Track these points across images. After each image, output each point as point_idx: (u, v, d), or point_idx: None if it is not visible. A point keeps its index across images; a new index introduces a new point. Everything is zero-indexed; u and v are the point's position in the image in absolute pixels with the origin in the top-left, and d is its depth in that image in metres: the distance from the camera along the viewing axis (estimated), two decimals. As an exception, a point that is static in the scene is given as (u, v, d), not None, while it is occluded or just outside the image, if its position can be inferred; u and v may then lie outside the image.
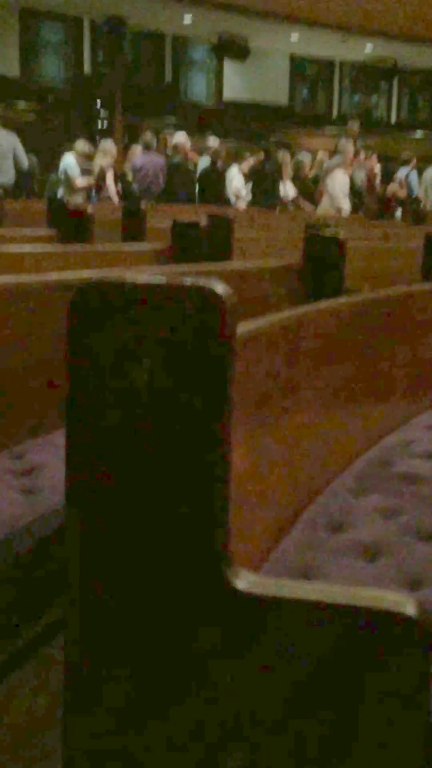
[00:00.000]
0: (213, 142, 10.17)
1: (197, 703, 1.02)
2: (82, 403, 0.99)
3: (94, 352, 0.97)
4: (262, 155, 9.67)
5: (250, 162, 9.83)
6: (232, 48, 13.32)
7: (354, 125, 11.04)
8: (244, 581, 0.99)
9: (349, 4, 12.49)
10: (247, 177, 9.86)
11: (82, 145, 9.06)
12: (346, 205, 8.84)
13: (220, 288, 0.95)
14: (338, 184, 8.63)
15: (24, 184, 8.21)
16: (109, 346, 0.97)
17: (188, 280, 0.95)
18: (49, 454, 1.82)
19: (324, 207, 8.85)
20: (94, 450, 0.99)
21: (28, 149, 8.89)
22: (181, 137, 10.03)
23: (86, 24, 14.39)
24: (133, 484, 0.99)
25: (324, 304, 1.77)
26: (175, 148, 9.88)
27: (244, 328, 1.22)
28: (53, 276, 2.16)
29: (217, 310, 0.94)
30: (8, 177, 7.11)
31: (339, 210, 8.72)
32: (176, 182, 9.52)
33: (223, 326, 0.95)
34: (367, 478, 1.77)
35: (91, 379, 0.98)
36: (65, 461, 1.00)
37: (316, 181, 9.73)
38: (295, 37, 13.67)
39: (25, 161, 7.24)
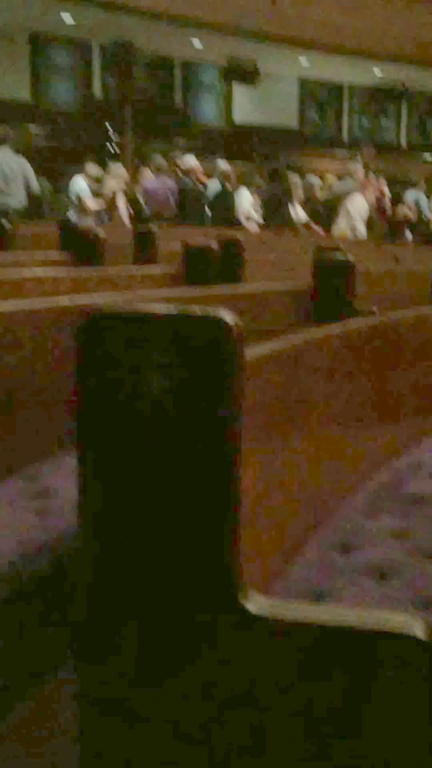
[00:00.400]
0: (223, 164, 10.25)
1: (206, 728, 1.03)
2: (92, 428, 1.01)
3: (104, 379, 0.99)
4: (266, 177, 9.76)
5: (258, 184, 9.94)
6: (241, 72, 13.44)
7: (369, 152, 11.13)
8: (255, 604, 1.00)
9: (358, 29, 12.61)
10: (257, 199, 9.93)
11: (92, 168, 9.16)
12: (362, 228, 8.91)
13: (229, 318, 0.97)
14: (357, 208, 8.71)
15: (34, 207, 8.29)
16: (119, 374, 0.98)
17: (198, 310, 0.97)
18: (61, 476, 1.84)
19: (340, 229, 8.90)
20: (105, 473, 1.01)
21: (39, 173, 8.99)
22: (191, 160, 10.11)
23: (96, 48, 14.57)
24: (145, 507, 1.00)
25: (333, 327, 1.79)
26: (186, 170, 9.97)
27: (254, 352, 1.24)
28: (65, 301, 2.19)
29: (227, 339, 0.96)
30: (19, 200, 7.19)
31: (355, 231, 8.77)
32: (187, 205, 9.59)
33: (233, 355, 0.97)
34: (377, 500, 1.78)
35: (102, 405, 1.00)
36: (77, 484, 1.02)
37: (326, 203, 9.78)
38: (304, 61, 13.79)
39: (35, 184, 7.33)
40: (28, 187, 7.21)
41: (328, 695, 0.99)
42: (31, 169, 7.35)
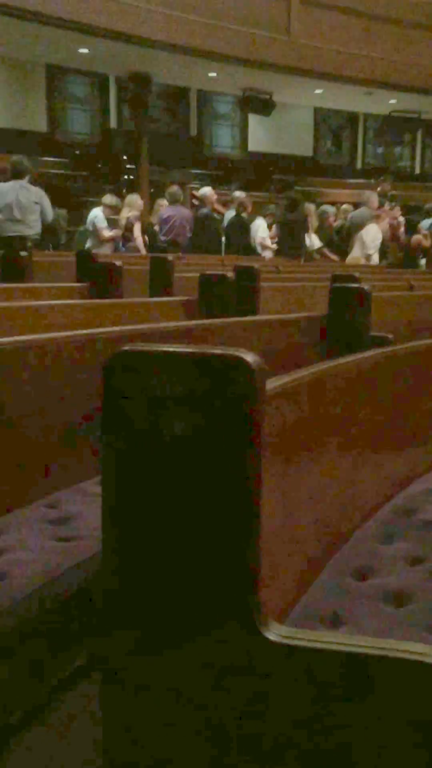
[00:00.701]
0: (239, 193, 10.35)
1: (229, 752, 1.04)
2: (117, 458, 1.03)
3: (129, 412, 1.02)
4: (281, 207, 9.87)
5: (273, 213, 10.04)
6: (257, 103, 13.57)
7: (386, 185, 11.24)
8: (274, 631, 1.01)
9: (373, 59, 12.73)
10: (272, 227, 10.01)
11: (109, 198, 9.30)
12: (376, 257, 8.98)
13: (249, 357, 1.00)
14: (371, 237, 8.81)
15: (50, 236, 8.41)
16: (143, 408, 1.01)
17: (219, 350, 1.00)
18: (82, 503, 1.87)
19: (354, 257, 8.97)
20: (128, 503, 1.03)
21: (55, 203, 9.13)
22: (207, 190, 10.23)
23: (112, 80, 14.76)
24: (167, 535, 1.02)
25: (348, 359, 1.82)
26: (202, 200, 10.09)
27: (272, 384, 1.26)
28: (83, 332, 2.22)
29: (247, 378, 0.99)
30: (35, 230, 7.31)
31: (369, 259, 8.84)
32: (203, 234, 9.69)
33: (253, 394, 1.00)
34: (392, 526, 1.79)
35: (126, 437, 1.02)
36: (102, 515, 1.04)
37: (340, 231, 9.85)
38: (319, 91, 13.92)
39: (50, 214, 7.44)
40: (43, 218, 7.33)
41: (346, 723, 1.00)
42: (47, 199, 7.47)
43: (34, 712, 1.43)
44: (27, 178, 7.29)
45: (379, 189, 10.92)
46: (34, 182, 7.60)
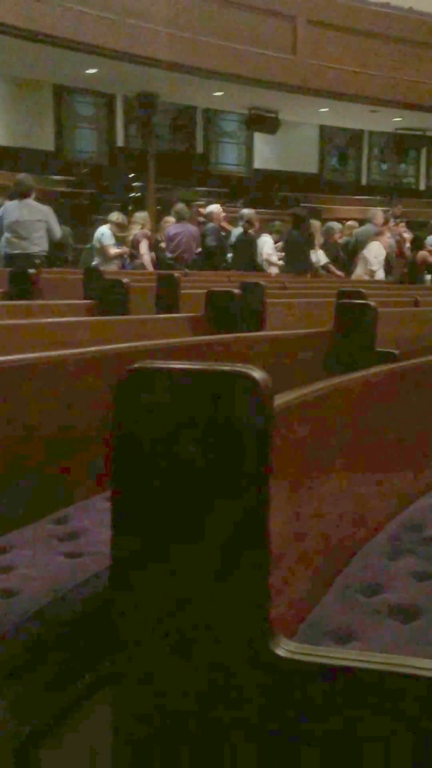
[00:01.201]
0: (246, 210, 10.42)
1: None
2: (127, 475, 1.04)
3: (140, 429, 1.03)
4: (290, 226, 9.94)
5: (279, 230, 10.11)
6: (262, 121, 13.66)
7: (398, 209, 11.33)
8: (284, 648, 1.02)
9: (377, 77, 12.82)
10: (278, 244, 10.07)
11: (116, 216, 9.37)
12: (380, 273, 9.02)
13: (257, 374, 1.01)
14: (374, 254, 8.86)
15: (57, 254, 8.47)
16: (154, 425, 1.03)
17: (227, 367, 1.02)
18: (90, 519, 1.87)
19: (358, 274, 9.02)
20: (138, 519, 1.04)
21: (62, 220, 9.20)
22: (214, 207, 10.31)
23: (119, 99, 14.89)
24: (177, 552, 1.03)
25: (356, 374, 1.82)
26: (209, 217, 10.16)
27: (279, 400, 1.27)
28: (91, 349, 2.23)
29: (254, 394, 1.00)
30: (42, 247, 7.36)
31: (372, 275, 8.87)
32: (210, 250, 9.75)
33: (262, 409, 1.01)
34: (400, 541, 1.79)
35: (137, 454, 1.04)
36: (111, 532, 1.05)
37: (346, 247, 9.90)
38: (324, 109, 14.00)
39: (58, 232, 7.49)
40: (50, 235, 7.38)
41: (356, 738, 1.00)
42: (54, 217, 7.53)
43: (45, 731, 1.43)
44: (33, 196, 7.34)
45: (390, 212, 11.00)
46: (39, 200, 7.67)
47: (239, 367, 1.01)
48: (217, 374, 1.01)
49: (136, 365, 1.04)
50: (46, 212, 7.40)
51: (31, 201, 7.30)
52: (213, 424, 1.01)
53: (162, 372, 1.03)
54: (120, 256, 9.17)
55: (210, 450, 1.01)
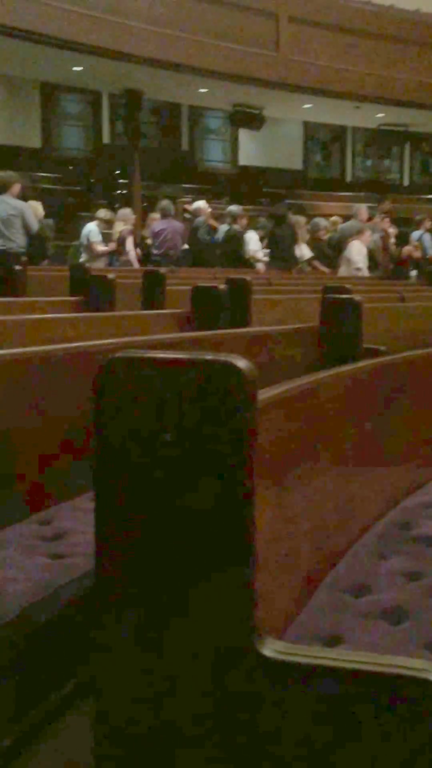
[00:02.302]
0: (233, 207, 10.41)
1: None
2: (109, 469, 1.02)
3: (120, 421, 1.01)
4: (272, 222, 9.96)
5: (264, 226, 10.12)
6: (246, 117, 13.67)
7: (386, 205, 11.34)
8: (270, 648, 1.00)
9: (360, 73, 12.84)
10: (263, 240, 10.06)
11: (103, 213, 9.34)
12: (365, 271, 9.04)
13: (241, 363, 0.99)
14: (355, 252, 8.89)
15: (38, 248, 8.41)
16: (135, 416, 1.00)
17: (210, 356, 0.99)
18: (75, 519, 1.85)
19: (341, 273, 9.04)
20: (122, 516, 1.02)
21: (51, 217, 9.15)
22: (200, 204, 10.29)
23: (105, 96, 14.87)
24: (161, 549, 1.02)
25: (341, 369, 1.81)
26: (196, 214, 10.14)
27: (264, 394, 1.25)
28: (76, 345, 2.22)
29: (239, 384, 0.98)
30: (18, 243, 7.33)
31: (358, 272, 8.89)
32: (196, 247, 9.74)
33: (246, 399, 0.99)
34: (388, 541, 1.78)
35: (118, 447, 1.01)
36: (95, 527, 1.03)
37: (331, 243, 9.90)
38: (308, 105, 14.02)
39: (34, 225, 7.47)
40: (27, 230, 7.36)
41: (344, 738, 0.99)
42: (30, 210, 7.50)
43: (29, 733, 1.41)
44: (10, 191, 7.30)
45: (378, 208, 11.01)
46: (22, 195, 7.63)
47: (223, 356, 0.99)
48: (200, 363, 0.99)
49: (117, 354, 1.01)
50: (20, 207, 7.37)
51: (6, 197, 7.27)
52: (195, 413, 0.99)
53: (143, 360, 1.00)
54: (107, 253, 9.14)
55: (192, 440, 0.99)
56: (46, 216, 9.16)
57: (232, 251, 9.72)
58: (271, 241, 9.79)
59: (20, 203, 7.42)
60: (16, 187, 7.36)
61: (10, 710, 1.38)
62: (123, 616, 1.03)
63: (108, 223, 9.19)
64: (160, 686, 1.03)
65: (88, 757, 1.08)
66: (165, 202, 9.81)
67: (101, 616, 1.05)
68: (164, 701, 1.03)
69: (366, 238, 8.99)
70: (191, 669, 1.02)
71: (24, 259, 6.86)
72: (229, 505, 1.00)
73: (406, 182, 17.93)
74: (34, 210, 8.05)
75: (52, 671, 1.45)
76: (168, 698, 1.03)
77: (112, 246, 9.14)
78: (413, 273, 10.06)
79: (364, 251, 9.01)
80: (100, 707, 1.06)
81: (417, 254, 10.07)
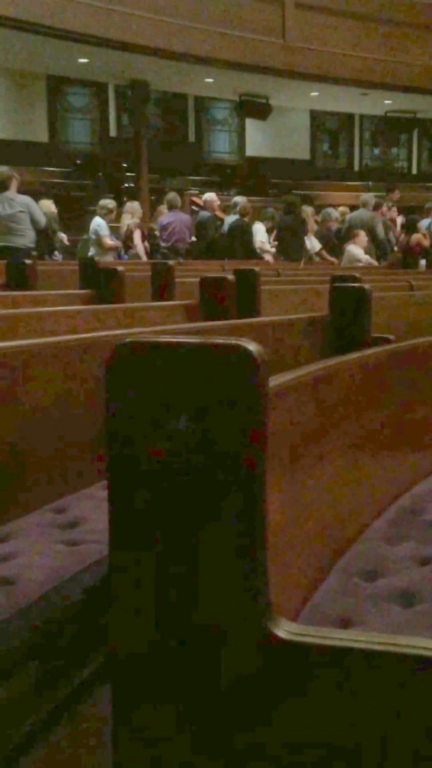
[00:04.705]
0: (240, 198, 10.39)
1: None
2: (121, 456, 1.03)
3: (132, 407, 1.01)
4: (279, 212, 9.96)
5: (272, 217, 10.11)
6: (253, 107, 13.62)
7: (396, 194, 11.30)
8: (284, 629, 1.01)
9: (367, 59, 12.77)
10: (271, 231, 10.05)
11: (107, 202, 9.33)
12: (365, 260, 9.05)
13: (252, 346, 0.99)
14: (358, 249, 8.94)
15: (46, 242, 8.44)
16: (146, 402, 1.00)
17: (220, 340, 1.00)
18: (90, 508, 1.87)
19: (343, 265, 9.05)
20: (135, 503, 1.03)
21: (58, 212, 9.17)
22: (210, 195, 10.28)
23: (111, 89, 14.84)
24: (174, 535, 1.02)
25: (351, 356, 1.82)
26: (204, 205, 10.13)
27: (275, 381, 1.26)
28: (88, 335, 2.23)
29: (250, 367, 0.98)
30: (28, 239, 7.35)
31: (358, 262, 8.90)
32: (204, 238, 9.74)
33: (256, 383, 0.98)
34: (399, 526, 1.79)
35: (130, 433, 1.02)
36: (108, 514, 1.04)
37: (339, 234, 9.88)
38: (315, 93, 13.95)
39: (41, 219, 7.47)
40: (35, 224, 7.36)
41: (359, 719, 1.00)
42: (36, 205, 7.50)
43: (47, 720, 1.43)
44: (12, 187, 7.31)
45: (388, 197, 10.97)
46: (33, 191, 7.65)
47: (233, 340, 0.99)
48: (211, 347, 0.98)
49: (128, 339, 1.01)
50: (27, 203, 7.37)
51: (10, 193, 7.27)
52: (206, 398, 0.99)
53: (153, 345, 1.00)
54: (115, 246, 9.14)
55: (204, 425, 0.99)
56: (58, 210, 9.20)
57: (240, 243, 9.71)
58: (280, 231, 9.77)
59: (26, 198, 7.42)
60: (15, 182, 7.36)
61: (29, 695, 1.40)
62: (136, 602, 1.05)
63: (111, 212, 9.18)
64: (172, 663, 1.04)
65: (105, 741, 1.10)
66: (172, 195, 9.80)
67: (115, 602, 1.06)
68: (178, 685, 1.05)
69: (361, 240, 9.03)
70: (205, 649, 1.03)
71: (34, 253, 6.88)
72: (241, 489, 1.00)
73: (414, 170, 17.83)
74: (47, 208, 8.07)
75: (69, 656, 1.46)
76: (179, 675, 1.04)
77: (119, 243, 9.15)
78: (422, 262, 10.02)
79: (364, 246, 9.08)
80: (116, 692, 1.07)
81: (426, 243, 10.03)
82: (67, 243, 10.08)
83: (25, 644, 1.38)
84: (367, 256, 9.06)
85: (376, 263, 9.18)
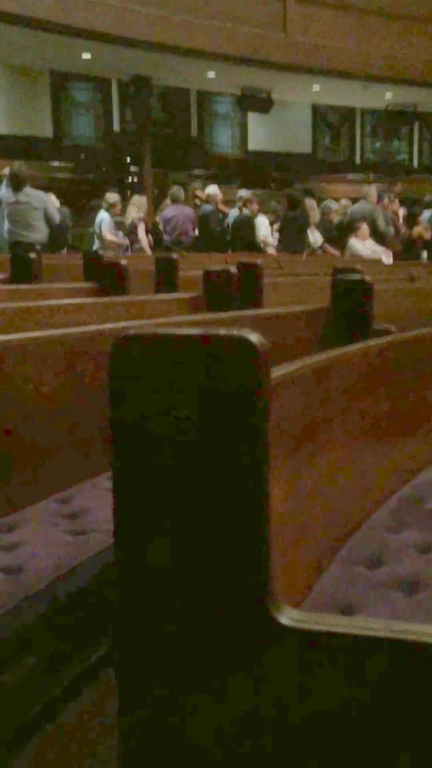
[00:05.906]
0: (244, 192, 10.39)
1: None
2: (125, 446, 1.04)
3: (135, 397, 1.02)
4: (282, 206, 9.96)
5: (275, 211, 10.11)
6: (255, 101, 13.59)
7: (398, 187, 11.29)
8: (287, 616, 1.02)
9: (368, 53, 12.73)
10: (273, 224, 10.05)
11: (111, 196, 9.34)
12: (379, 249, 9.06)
13: (254, 337, 1.00)
14: (360, 246, 8.96)
15: (59, 238, 8.46)
16: (149, 393, 1.01)
17: (223, 331, 1.01)
18: (95, 497, 1.89)
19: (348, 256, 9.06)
20: (139, 492, 1.04)
21: (61, 203, 9.17)
22: (212, 189, 10.28)
23: (114, 84, 14.83)
24: (178, 524, 1.03)
25: (353, 346, 1.83)
26: (207, 199, 10.13)
27: (277, 372, 1.27)
28: (92, 327, 2.24)
29: (252, 358, 0.99)
30: (42, 234, 7.38)
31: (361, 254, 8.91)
32: (207, 232, 9.73)
33: (259, 373, 0.99)
34: (402, 514, 1.80)
35: (134, 424, 1.02)
36: (113, 503, 1.05)
37: (340, 226, 9.87)
38: (316, 87, 13.92)
39: (56, 216, 7.52)
40: (49, 220, 7.40)
41: (361, 705, 1.01)
42: (51, 202, 7.55)
43: (52, 707, 1.45)
44: (28, 184, 7.35)
45: (389, 189, 10.97)
46: (39, 187, 7.67)
47: (236, 331, 1.00)
48: (213, 338, 0.99)
49: (130, 331, 1.02)
50: (43, 198, 7.43)
51: (27, 189, 7.32)
52: (209, 388, 1.00)
53: (156, 336, 1.01)
54: (119, 245, 9.14)
55: (206, 416, 1.00)
56: (61, 204, 9.21)
57: (243, 236, 9.71)
58: (283, 225, 9.76)
59: (42, 195, 7.49)
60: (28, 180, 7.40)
61: (36, 682, 1.41)
62: (141, 590, 1.06)
63: (115, 206, 9.19)
64: (180, 650, 1.05)
65: (111, 725, 1.11)
66: (175, 188, 9.80)
67: (121, 590, 1.07)
68: (184, 663, 1.06)
69: (363, 233, 9.03)
70: (209, 635, 1.04)
71: (38, 247, 6.89)
72: (244, 479, 1.01)
73: (415, 163, 17.79)
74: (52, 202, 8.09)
75: (75, 643, 1.48)
76: (187, 661, 1.06)
77: (123, 241, 9.15)
78: (424, 254, 10.01)
79: (361, 245, 9.10)
80: (121, 678, 1.08)
81: (427, 235, 10.02)
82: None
83: (31, 631, 1.39)
84: (382, 248, 9.04)
85: (389, 252, 9.16)
